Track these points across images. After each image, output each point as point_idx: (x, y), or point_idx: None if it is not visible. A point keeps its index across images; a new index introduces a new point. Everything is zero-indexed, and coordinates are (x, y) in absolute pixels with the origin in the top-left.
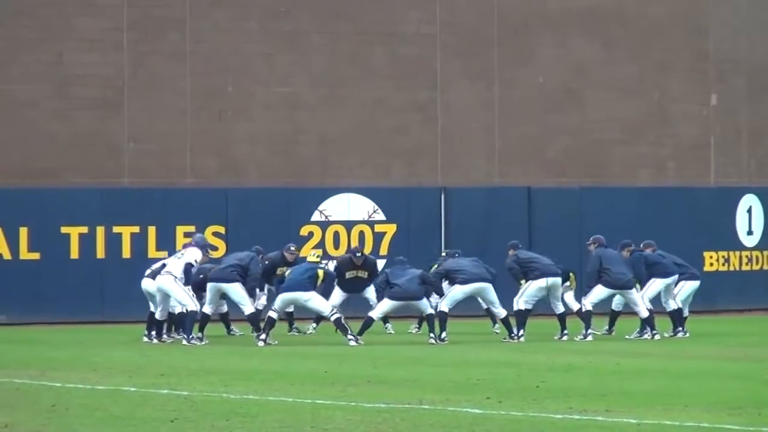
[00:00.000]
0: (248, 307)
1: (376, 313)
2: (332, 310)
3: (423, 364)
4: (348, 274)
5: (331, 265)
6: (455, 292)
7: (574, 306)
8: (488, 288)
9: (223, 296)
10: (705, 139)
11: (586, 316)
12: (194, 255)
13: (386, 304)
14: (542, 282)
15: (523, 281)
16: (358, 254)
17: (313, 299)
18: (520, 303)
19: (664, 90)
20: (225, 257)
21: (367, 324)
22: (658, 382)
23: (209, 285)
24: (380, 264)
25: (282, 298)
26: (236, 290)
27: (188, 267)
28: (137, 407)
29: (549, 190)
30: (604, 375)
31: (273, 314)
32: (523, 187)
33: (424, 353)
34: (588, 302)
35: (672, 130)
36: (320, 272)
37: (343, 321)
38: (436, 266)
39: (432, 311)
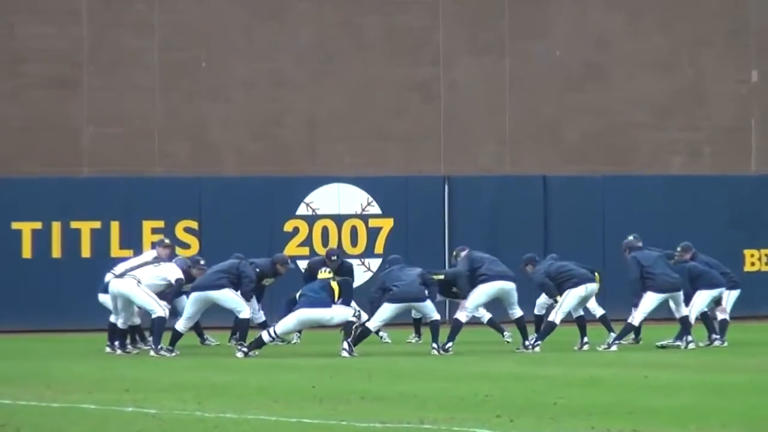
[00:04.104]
0: (245, 311)
1: (374, 323)
2: (354, 313)
3: (424, 377)
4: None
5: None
6: (478, 297)
7: (598, 311)
8: (512, 289)
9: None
10: (745, 121)
11: (626, 328)
12: (176, 274)
13: (386, 310)
14: (581, 290)
15: (558, 297)
16: (334, 257)
17: (336, 315)
18: (558, 316)
19: (698, 66)
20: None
21: (363, 335)
22: (692, 397)
23: (195, 295)
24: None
25: (300, 317)
26: (227, 296)
27: (179, 282)
28: (98, 427)
29: (567, 179)
30: (631, 390)
31: (266, 336)
32: (537, 176)
33: (426, 365)
34: (640, 314)
35: (707, 111)
36: (335, 285)
37: (353, 327)
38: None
39: (438, 316)
